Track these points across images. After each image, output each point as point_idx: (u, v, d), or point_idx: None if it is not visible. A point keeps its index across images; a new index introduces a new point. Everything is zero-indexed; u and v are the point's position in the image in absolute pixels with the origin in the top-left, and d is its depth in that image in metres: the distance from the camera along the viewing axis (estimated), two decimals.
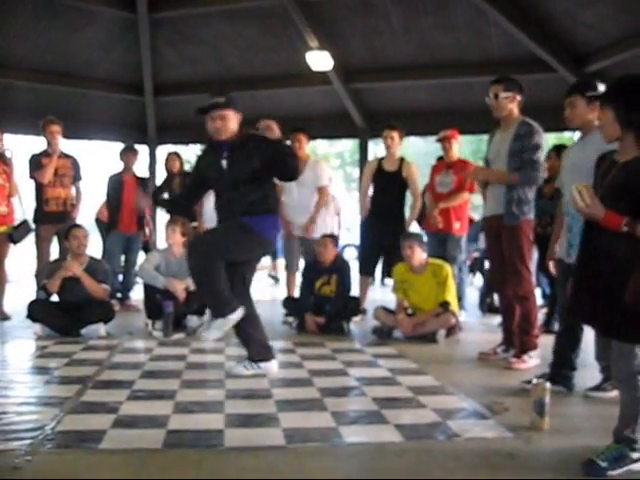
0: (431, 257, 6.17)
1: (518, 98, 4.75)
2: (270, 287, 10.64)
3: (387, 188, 6.79)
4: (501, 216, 4.71)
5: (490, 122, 5.04)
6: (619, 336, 2.71)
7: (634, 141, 2.68)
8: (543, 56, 8.68)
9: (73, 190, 7.08)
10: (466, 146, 22.04)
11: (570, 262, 3.87)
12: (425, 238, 6.42)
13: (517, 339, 4.84)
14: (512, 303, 4.87)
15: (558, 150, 6.20)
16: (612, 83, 2.88)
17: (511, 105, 4.74)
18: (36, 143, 7.04)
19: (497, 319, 6.13)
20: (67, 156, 7.10)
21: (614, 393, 3.68)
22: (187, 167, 9.03)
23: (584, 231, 2.83)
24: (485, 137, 5.29)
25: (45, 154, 6.91)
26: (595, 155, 3.58)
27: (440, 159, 7.18)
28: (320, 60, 9.38)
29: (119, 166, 7.86)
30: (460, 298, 6.65)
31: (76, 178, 7.11)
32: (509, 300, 4.90)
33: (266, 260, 11.86)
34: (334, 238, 6.56)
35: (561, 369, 4.03)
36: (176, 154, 8.18)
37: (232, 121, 4.23)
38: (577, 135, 4.25)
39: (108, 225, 7.77)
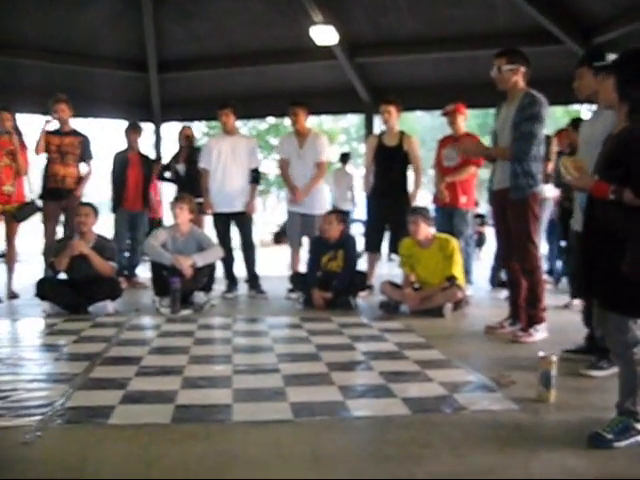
0: (439, 231, 6.16)
1: (522, 70, 4.69)
2: (276, 263, 10.65)
3: (389, 163, 6.77)
4: (507, 189, 4.69)
5: (497, 95, 4.99)
6: (615, 308, 2.72)
7: (627, 113, 2.73)
8: (550, 28, 8.59)
9: (80, 168, 7.06)
10: (473, 119, 21.91)
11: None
12: (433, 212, 6.41)
13: (524, 313, 4.85)
14: (519, 277, 4.87)
15: (576, 124, 6.16)
16: (619, 54, 2.91)
17: (515, 77, 4.69)
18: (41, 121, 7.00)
19: (504, 293, 6.13)
20: (77, 134, 7.08)
21: (610, 371, 3.67)
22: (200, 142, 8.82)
23: (586, 205, 2.87)
24: (492, 110, 5.25)
25: (52, 133, 6.92)
26: (604, 129, 3.57)
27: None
28: (325, 35, 9.31)
29: (123, 144, 7.86)
30: (467, 272, 6.65)
31: (86, 156, 7.09)
32: (516, 274, 4.90)
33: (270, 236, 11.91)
34: (344, 214, 6.55)
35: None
36: (186, 127, 8.16)
37: None
38: (585, 108, 4.24)
39: (113, 203, 7.77)
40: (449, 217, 6.68)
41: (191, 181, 7.47)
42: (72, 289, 5.86)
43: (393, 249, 6.89)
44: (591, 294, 2.87)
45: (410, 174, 6.94)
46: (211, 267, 6.36)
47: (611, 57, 3.82)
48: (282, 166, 7.04)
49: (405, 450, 2.65)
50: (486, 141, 6.76)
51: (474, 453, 2.63)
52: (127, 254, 7.77)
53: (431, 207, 6.63)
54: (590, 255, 2.78)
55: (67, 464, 2.53)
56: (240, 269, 7.07)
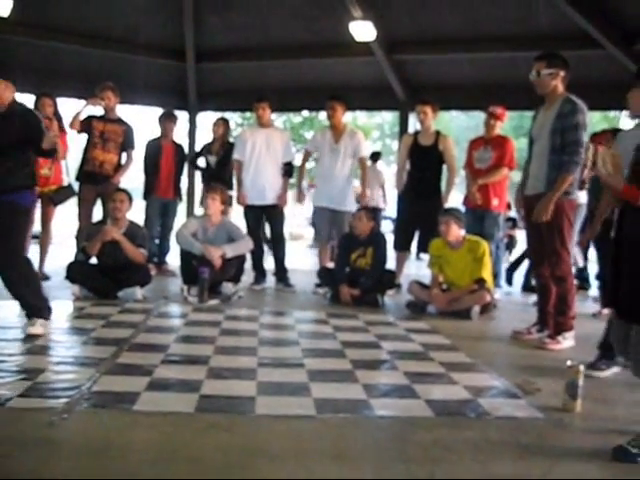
0: (469, 233, 6.13)
1: (562, 74, 4.64)
2: (304, 257, 10.69)
3: (423, 162, 6.75)
4: (542, 195, 4.64)
5: (534, 98, 4.95)
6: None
7: None
8: (591, 32, 8.47)
9: (121, 157, 7.13)
10: (508, 122, 21.67)
11: None
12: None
13: (552, 320, 4.81)
14: (549, 283, 4.82)
15: (615, 133, 6.07)
16: None
17: (554, 82, 4.63)
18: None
19: (533, 298, 6.08)
20: (121, 123, 7.16)
21: (609, 372, 3.88)
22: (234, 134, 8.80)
23: (618, 214, 2.83)
24: (527, 113, 5.19)
25: (97, 118, 7.01)
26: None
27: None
28: (363, 30, 9.28)
29: (157, 132, 7.91)
30: (496, 275, 6.60)
31: (128, 145, 7.15)
32: (546, 280, 4.86)
33: (304, 230, 11.95)
34: (378, 211, 6.54)
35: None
36: (223, 120, 8.14)
37: (9, 90, 4.36)
38: (624, 114, 4.24)
39: (145, 190, 7.83)
40: (480, 219, 6.62)
41: (221, 173, 7.51)
42: (102, 274, 5.93)
43: (422, 249, 6.86)
44: (615, 305, 2.84)
45: (444, 174, 6.91)
46: (240, 258, 6.38)
47: None
48: (304, 157, 7.10)
49: (427, 452, 2.64)
50: (521, 143, 6.72)
51: (496, 459, 2.62)
52: (157, 241, 7.83)
53: (462, 208, 6.59)
54: (618, 265, 2.75)
55: (92, 447, 2.57)
56: (269, 262, 7.09)
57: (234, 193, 7.40)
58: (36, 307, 4.44)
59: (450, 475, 2.44)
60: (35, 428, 2.70)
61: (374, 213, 6.77)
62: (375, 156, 11.77)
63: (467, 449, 2.69)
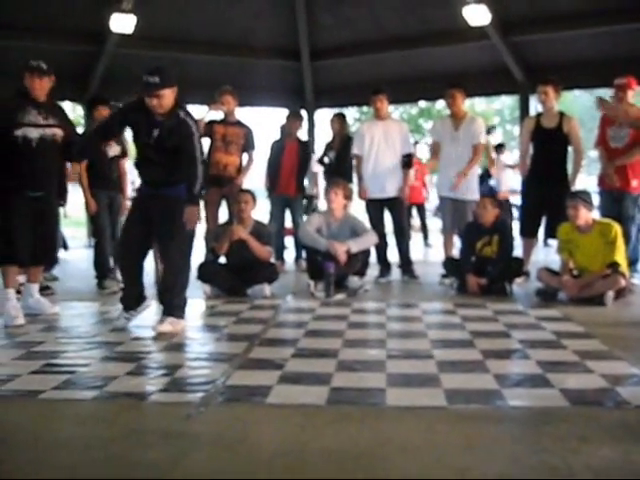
0: (605, 216, 5.87)
1: None
2: (423, 248, 10.62)
3: (547, 145, 6.51)
4: None
5: None
6: None
7: None
8: None
9: (242, 158, 7.34)
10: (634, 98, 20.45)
11: None
12: (596, 196, 6.08)
13: None
14: None
15: None
16: None
17: None
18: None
19: None
20: (241, 125, 7.37)
21: None
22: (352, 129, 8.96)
23: None
24: None
25: (218, 122, 7.25)
26: None
27: None
28: (477, 14, 9.10)
29: (278, 132, 8.09)
30: (636, 260, 6.30)
31: (248, 147, 7.37)
32: None
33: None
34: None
35: None
36: (338, 115, 8.24)
37: (168, 98, 4.61)
38: None
39: (268, 189, 8.07)
40: (617, 201, 6.26)
41: (340, 168, 7.59)
42: (231, 272, 6.11)
43: (550, 234, 6.65)
44: None
45: (569, 157, 6.66)
46: (365, 252, 6.40)
47: None
48: (434, 149, 6.99)
49: (563, 443, 2.55)
50: None
51: (637, 450, 2.50)
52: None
53: (594, 190, 6.29)
54: None
55: (228, 440, 2.65)
56: (393, 254, 7.09)
57: (354, 187, 7.45)
58: (174, 304, 4.63)
59: (588, 467, 2.35)
60: (174, 421, 2.82)
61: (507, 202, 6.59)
62: (499, 148, 11.64)
63: (606, 440, 2.59)
